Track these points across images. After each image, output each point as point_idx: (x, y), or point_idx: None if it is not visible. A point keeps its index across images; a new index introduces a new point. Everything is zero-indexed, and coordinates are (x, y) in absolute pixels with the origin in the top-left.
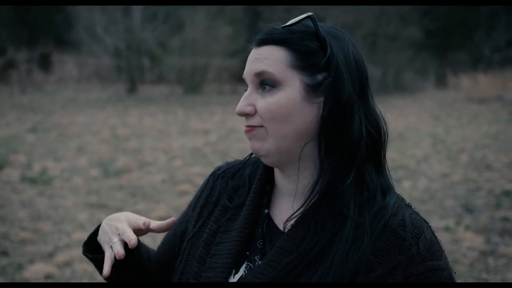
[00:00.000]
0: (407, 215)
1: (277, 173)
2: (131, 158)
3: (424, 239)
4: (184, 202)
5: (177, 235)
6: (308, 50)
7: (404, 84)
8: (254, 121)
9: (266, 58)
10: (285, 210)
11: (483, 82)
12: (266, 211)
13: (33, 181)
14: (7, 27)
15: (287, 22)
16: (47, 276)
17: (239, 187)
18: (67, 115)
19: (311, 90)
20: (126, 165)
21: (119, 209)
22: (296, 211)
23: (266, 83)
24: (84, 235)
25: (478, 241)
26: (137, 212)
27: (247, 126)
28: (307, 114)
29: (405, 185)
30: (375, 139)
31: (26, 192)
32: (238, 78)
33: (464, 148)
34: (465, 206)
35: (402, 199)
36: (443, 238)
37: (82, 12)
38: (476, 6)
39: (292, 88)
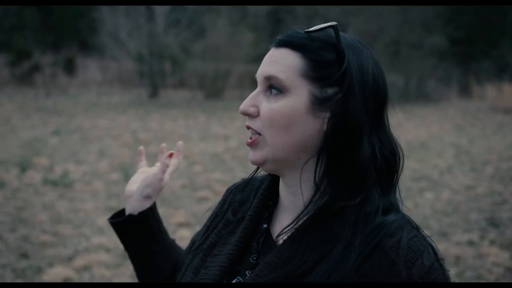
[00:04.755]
0: (405, 237)
1: (281, 185)
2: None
3: (420, 265)
4: (203, 208)
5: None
6: (323, 61)
7: (427, 92)
8: (255, 124)
9: (279, 62)
10: (285, 225)
11: (509, 92)
12: (265, 226)
13: (54, 183)
14: (33, 32)
15: (311, 27)
16: (66, 280)
17: (245, 201)
18: (89, 118)
19: (318, 103)
20: None
21: None
22: (287, 226)
23: (273, 87)
24: (103, 239)
25: (503, 256)
26: None
27: (247, 126)
28: (309, 127)
29: (427, 196)
30: (390, 164)
31: (48, 195)
32: None
33: (489, 159)
34: (490, 219)
35: (409, 221)
36: (467, 253)
37: (106, 17)
38: (501, 14)
39: (299, 97)
